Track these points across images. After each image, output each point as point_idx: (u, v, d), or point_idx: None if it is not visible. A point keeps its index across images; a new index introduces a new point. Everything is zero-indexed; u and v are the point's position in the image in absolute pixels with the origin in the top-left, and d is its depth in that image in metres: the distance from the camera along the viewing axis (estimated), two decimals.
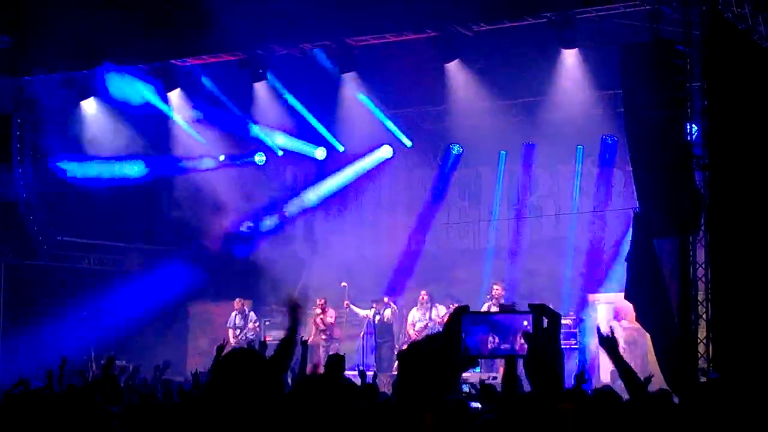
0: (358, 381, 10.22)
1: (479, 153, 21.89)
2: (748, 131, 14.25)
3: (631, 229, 15.57)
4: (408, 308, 20.34)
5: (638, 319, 15.71)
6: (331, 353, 13.88)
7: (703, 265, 14.81)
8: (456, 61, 18.88)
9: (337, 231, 22.72)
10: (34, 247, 21.38)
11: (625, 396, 6.67)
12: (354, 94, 20.59)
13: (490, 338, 3.58)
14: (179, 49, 19.53)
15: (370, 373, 14.27)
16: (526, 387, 4.02)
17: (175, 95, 21.02)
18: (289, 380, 9.41)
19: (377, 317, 20.21)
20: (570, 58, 18.30)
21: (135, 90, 20.57)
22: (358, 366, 7.31)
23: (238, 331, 20.91)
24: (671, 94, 14.93)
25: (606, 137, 20.34)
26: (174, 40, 19.11)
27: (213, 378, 3.73)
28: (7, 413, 8.01)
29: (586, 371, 8.90)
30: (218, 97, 21.25)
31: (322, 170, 23.14)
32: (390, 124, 21.80)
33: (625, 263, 15.60)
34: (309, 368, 11.01)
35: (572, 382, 8.12)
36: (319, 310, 20.24)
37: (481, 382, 12.45)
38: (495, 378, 17.11)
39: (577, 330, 19.24)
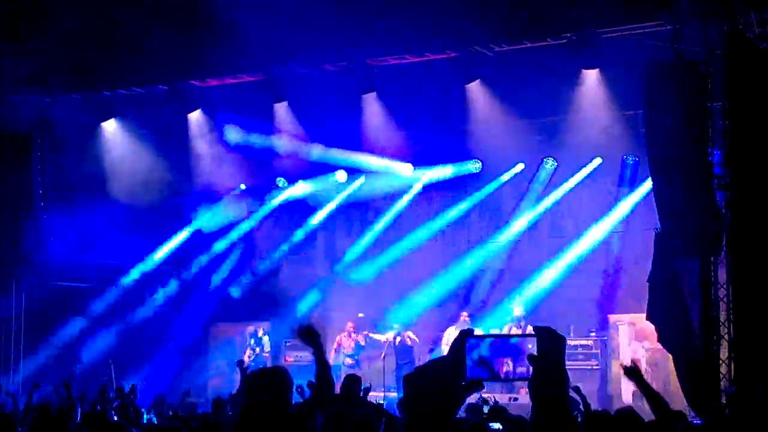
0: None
1: (499, 172, 21.81)
2: None
3: (652, 249, 15.50)
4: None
5: (660, 340, 15.62)
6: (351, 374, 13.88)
7: (724, 286, 14.74)
8: (477, 81, 18.89)
9: (357, 252, 22.76)
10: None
11: (647, 417, 6.68)
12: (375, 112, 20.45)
13: (506, 361, 3.55)
14: (200, 69, 19.53)
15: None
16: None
17: (195, 116, 21.11)
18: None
19: (398, 338, 20.23)
20: (590, 77, 18.27)
21: None
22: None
23: (250, 350, 21.55)
24: (693, 114, 14.88)
25: (626, 156, 20.28)
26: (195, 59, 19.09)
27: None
28: None
29: None
30: (241, 119, 21.30)
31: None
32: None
33: (647, 284, 15.52)
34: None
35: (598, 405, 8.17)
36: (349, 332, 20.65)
37: (496, 403, 12.37)
38: (516, 399, 17.06)
39: (598, 351, 19.17)
